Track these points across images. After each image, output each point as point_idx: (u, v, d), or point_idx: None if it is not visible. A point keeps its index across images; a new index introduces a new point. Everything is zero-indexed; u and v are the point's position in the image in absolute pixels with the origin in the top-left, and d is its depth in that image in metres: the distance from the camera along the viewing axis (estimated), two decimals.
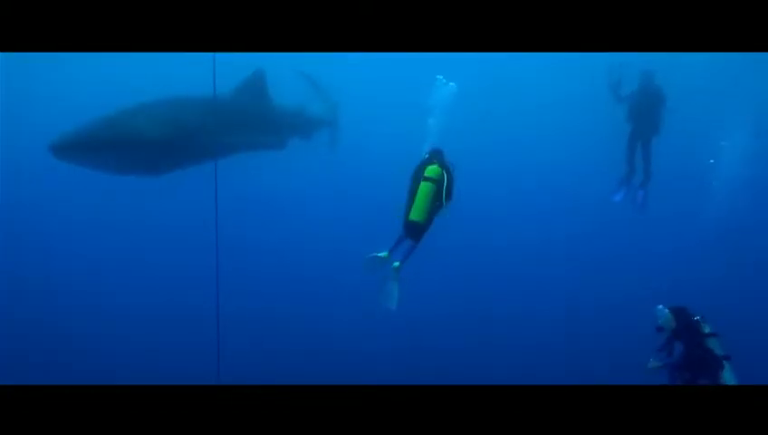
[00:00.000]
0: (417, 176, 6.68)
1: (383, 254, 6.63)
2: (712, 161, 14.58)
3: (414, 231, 6.60)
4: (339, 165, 13.45)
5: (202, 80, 9.18)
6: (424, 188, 6.48)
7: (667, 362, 6.03)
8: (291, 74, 11.46)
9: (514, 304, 13.13)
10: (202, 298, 6.75)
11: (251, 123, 9.64)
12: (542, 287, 13.76)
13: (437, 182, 6.53)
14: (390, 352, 10.98)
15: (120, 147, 8.03)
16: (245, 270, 10.73)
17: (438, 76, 8.75)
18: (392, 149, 7.30)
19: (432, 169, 6.55)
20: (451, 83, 8.69)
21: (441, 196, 6.56)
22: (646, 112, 9.75)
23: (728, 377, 5.79)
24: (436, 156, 6.82)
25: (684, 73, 10.84)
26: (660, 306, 6.15)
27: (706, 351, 5.87)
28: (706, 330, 5.96)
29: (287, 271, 13.55)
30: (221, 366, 6.02)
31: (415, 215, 6.46)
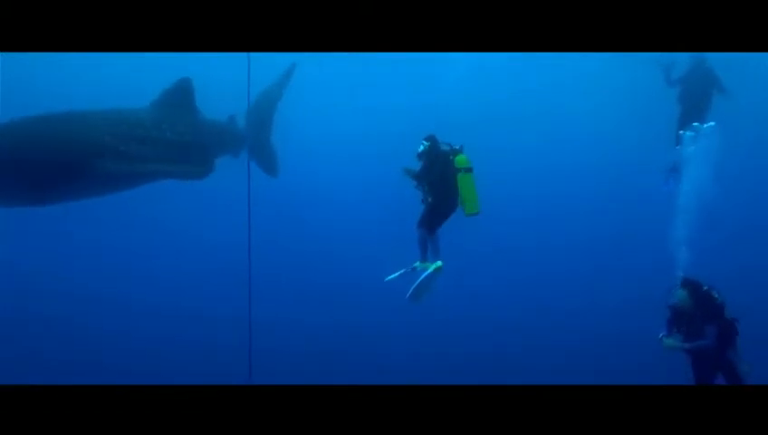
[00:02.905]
0: (439, 168, 6.44)
1: (436, 265, 6.43)
2: None
3: (437, 224, 6.48)
4: (364, 167, 13.28)
5: (199, 80, 9.12)
6: (467, 179, 6.35)
7: (699, 345, 5.88)
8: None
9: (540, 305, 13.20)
10: (235, 301, 6.83)
11: (168, 144, 8.16)
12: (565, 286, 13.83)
13: (472, 170, 6.41)
14: (417, 353, 11.05)
15: None
16: (276, 272, 10.70)
17: None
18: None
19: (464, 160, 6.40)
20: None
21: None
22: (696, 96, 9.71)
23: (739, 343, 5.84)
24: (436, 143, 6.60)
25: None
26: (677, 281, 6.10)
27: (726, 321, 5.87)
28: (719, 300, 5.96)
29: (315, 274, 13.52)
30: (252, 367, 6.12)
31: (473, 208, 6.35)
